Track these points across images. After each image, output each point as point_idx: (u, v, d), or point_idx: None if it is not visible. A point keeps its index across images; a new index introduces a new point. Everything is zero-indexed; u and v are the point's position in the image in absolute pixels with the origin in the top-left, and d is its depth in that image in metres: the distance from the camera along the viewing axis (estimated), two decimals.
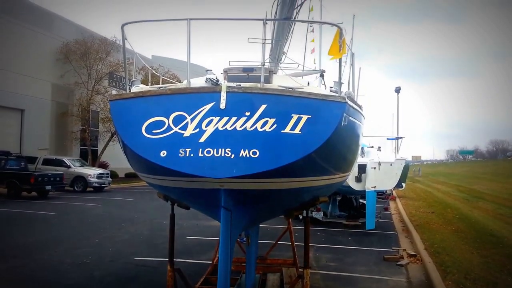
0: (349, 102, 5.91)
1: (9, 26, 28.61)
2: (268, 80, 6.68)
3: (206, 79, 6.08)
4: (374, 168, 13.89)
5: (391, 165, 14.36)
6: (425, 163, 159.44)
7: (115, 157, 32.05)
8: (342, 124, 5.55)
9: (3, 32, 28.15)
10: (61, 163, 26.97)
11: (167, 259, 7.10)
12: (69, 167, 26.80)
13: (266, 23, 5.82)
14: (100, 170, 28.30)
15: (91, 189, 26.71)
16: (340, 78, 6.05)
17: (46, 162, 26.92)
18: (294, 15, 7.88)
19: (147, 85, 7.78)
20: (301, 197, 6.50)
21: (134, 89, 6.53)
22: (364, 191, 13.74)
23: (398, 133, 17.47)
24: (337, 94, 5.77)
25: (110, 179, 28.85)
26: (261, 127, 5.13)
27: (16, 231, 13.01)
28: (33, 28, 30.66)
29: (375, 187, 13.76)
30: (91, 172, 27.02)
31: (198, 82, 6.56)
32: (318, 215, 15.25)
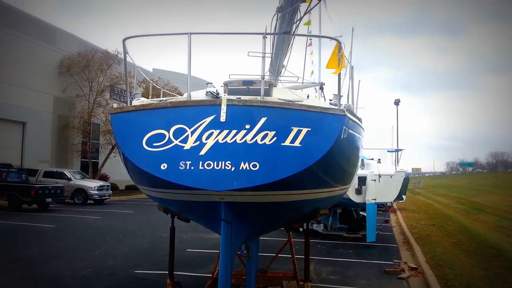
0: (349, 115, 5.95)
1: (12, 40, 28.83)
2: (268, 93, 6.73)
3: (207, 92, 6.13)
4: (374, 180, 13.89)
5: (391, 177, 14.36)
6: (426, 175, 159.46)
7: (116, 170, 32.09)
8: (342, 136, 5.59)
9: (6, 46, 28.37)
10: (61, 176, 26.99)
11: (167, 272, 7.09)
12: (69, 179, 26.81)
13: (266, 37, 5.89)
14: (100, 183, 28.30)
15: (92, 201, 26.68)
16: (339, 91, 6.10)
17: (47, 174, 26.94)
18: (293, 29, 7.95)
19: (148, 98, 7.85)
20: (301, 210, 6.51)
21: (135, 102, 6.59)
22: (364, 203, 13.73)
23: (398, 145, 17.44)
24: (336, 107, 5.82)
25: (111, 191, 28.84)
26: (261, 140, 5.17)
27: (16, 244, 12.99)
28: (35, 42, 30.90)
29: (375, 199, 13.75)
30: (92, 185, 27.02)
31: (199, 95, 6.61)
32: (319, 227, 15.21)
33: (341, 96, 6.22)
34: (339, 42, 5.78)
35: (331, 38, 6.09)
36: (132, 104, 6.44)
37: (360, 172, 12.75)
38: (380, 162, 18.34)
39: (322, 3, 9.43)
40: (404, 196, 19.32)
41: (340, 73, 6.13)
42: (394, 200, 17.64)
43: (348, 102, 7.40)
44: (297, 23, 7.76)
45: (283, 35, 8.08)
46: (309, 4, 7.25)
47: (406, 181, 16.47)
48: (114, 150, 32.28)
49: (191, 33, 5.70)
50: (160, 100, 6.49)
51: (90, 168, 33.85)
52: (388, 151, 18.06)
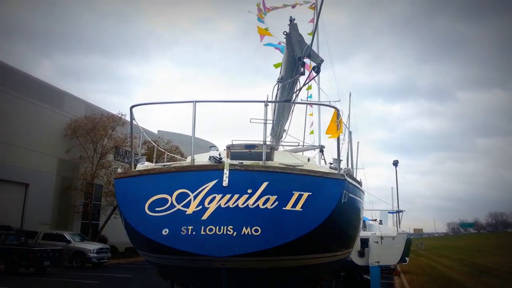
0: (348, 179, 6.07)
1: (18, 103, 29.50)
2: (269, 156, 6.89)
3: (210, 157, 6.30)
4: (377, 242, 13.76)
5: (393, 239, 14.23)
6: (436, 235, 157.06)
7: (116, 231, 31.72)
8: (342, 201, 5.68)
9: (12, 109, 28.98)
10: (61, 238, 26.69)
11: None
12: (69, 242, 26.49)
13: (267, 105, 6.14)
14: (99, 245, 27.93)
15: (90, 265, 26.20)
16: (339, 156, 6.27)
17: (47, 236, 26.65)
18: (293, 98, 8.23)
19: (152, 160, 8.00)
20: (304, 276, 6.47)
21: (139, 166, 6.74)
22: (368, 266, 13.51)
23: (398, 206, 17.44)
24: (336, 172, 5.95)
25: (110, 254, 28.41)
26: (263, 205, 5.26)
27: None
28: (42, 105, 31.59)
29: (378, 262, 13.55)
30: (91, 247, 26.66)
31: (202, 158, 6.77)
32: None
33: (341, 160, 6.38)
34: (336, 110, 6.02)
35: (330, 106, 6.34)
36: (136, 169, 6.59)
37: (362, 234, 12.68)
38: (381, 224, 18.20)
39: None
40: (407, 258, 19.02)
41: (339, 138, 6.33)
42: (398, 263, 17.36)
43: (348, 165, 7.56)
44: (297, 93, 8.06)
45: (284, 103, 8.37)
46: (307, 77, 7.58)
47: (408, 242, 16.31)
48: (116, 211, 32.10)
49: (196, 101, 5.95)
50: (164, 165, 6.64)
51: (90, 230, 33.50)
52: (389, 212, 18.00)
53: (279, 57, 7.97)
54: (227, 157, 6.89)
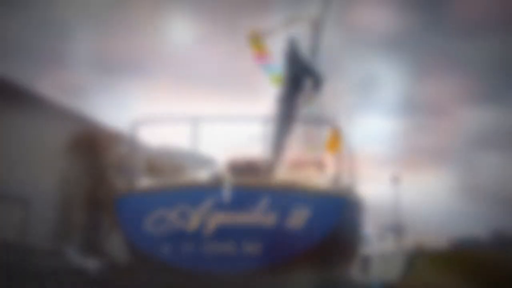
0: (349, 196, 6.09)
1: (18, 118, 29.46)
2: (270, 173, 6.91)
3: (211, 174, 6.32)
4: (378, 258, 13.69)
5: (394, 255, 14.17)
6: (436, 250, 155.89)
7: (117, 247, 31.47)
8: (343, 217, 5.69)
9: (12, 124, 28.95)
10: (61, 254, 26.47)
11: None
12: (69, 258, 26.26)
13: (267, 123, 6.19)
14: (100, 261, 27.70)
15: (90, 281, 25.95)
16: (339, 172, 6.28)
17: (47, 253, 26.44)
18: (293, 114, 8.25)
19: (152, 178, 8.01)
20: None
21: (140, 182, 6.76)
22: (369, 282, 13.41)
23: (399, 223, 17.41)
24: (337, 189, 5.97)
25: (110, 269, 28.16)
26: (264, 221, 5.26)
27: None
28: (42, 120, 31.51)
29: (379, 278, 13.45)
30: (91, 263, 26.43)
31: (204, 174, 6.80)
32: None
33: (342, 176, 6.39)
34: (337, 128, 6.05)
35: (329, 123, 6.36)
36: (137, 185, 6.61)
37: (363, 249, 12.61)
38: (383, 239, 18.12)
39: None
40: (408, 274, 18.85)
41: (339, 154, 6.35)
42: (399, 278, 17.21)
43: (348, 182, 7.55)
44: (297, 109, 8.08)
45: (284, 119, 8.40)
46: (307, 95, 7.63)
47: (410, 257, 16.23)
48: (116, 226, 31.88)
49: (196, 119, 6.00)
50: (165, 181, 6.66)
51: (91, 246, 33.25)
52: (389, 228, 17.94)
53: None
54: (227, 174, 6.92)
